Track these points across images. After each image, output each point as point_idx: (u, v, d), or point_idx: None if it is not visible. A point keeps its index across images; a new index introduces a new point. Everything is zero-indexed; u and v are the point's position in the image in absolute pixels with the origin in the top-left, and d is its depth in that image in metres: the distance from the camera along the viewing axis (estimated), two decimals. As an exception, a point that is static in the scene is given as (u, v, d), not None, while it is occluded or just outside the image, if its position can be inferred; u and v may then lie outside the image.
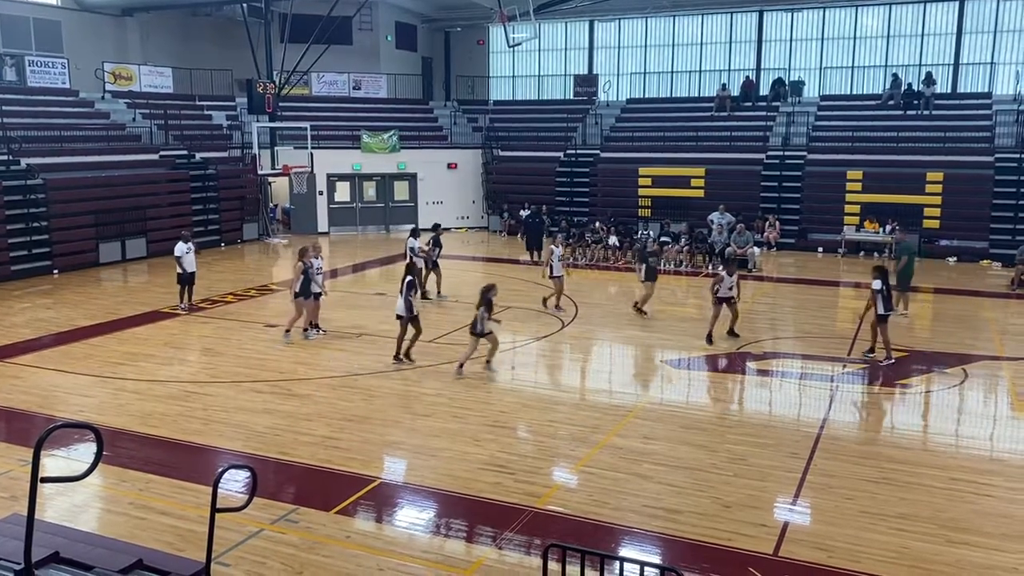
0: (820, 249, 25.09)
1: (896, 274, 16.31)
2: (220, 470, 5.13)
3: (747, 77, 31.02)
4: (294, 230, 29.52)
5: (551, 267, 16.66)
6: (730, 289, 14.54)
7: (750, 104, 30.07)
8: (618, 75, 34.11)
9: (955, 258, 23.75)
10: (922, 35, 29.54)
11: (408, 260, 15.73)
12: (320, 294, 14.97)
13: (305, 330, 14.62)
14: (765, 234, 25.11)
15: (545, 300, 17.08)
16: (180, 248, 16.60)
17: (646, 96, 33.01)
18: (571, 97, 34.04)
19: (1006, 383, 12.53)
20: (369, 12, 32.33)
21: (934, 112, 27.11)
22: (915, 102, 27.51)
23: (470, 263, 23.42)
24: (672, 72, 33.14)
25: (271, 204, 30.22)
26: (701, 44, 32.86)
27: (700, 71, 32.73)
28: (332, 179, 29.77)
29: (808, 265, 23.36)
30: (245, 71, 28.78)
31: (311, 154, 26.88)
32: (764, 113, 29.29)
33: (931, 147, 25.69)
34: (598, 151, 29.99)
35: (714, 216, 24.22)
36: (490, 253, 25.88)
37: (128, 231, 23.22)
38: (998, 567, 7.11)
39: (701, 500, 8.32)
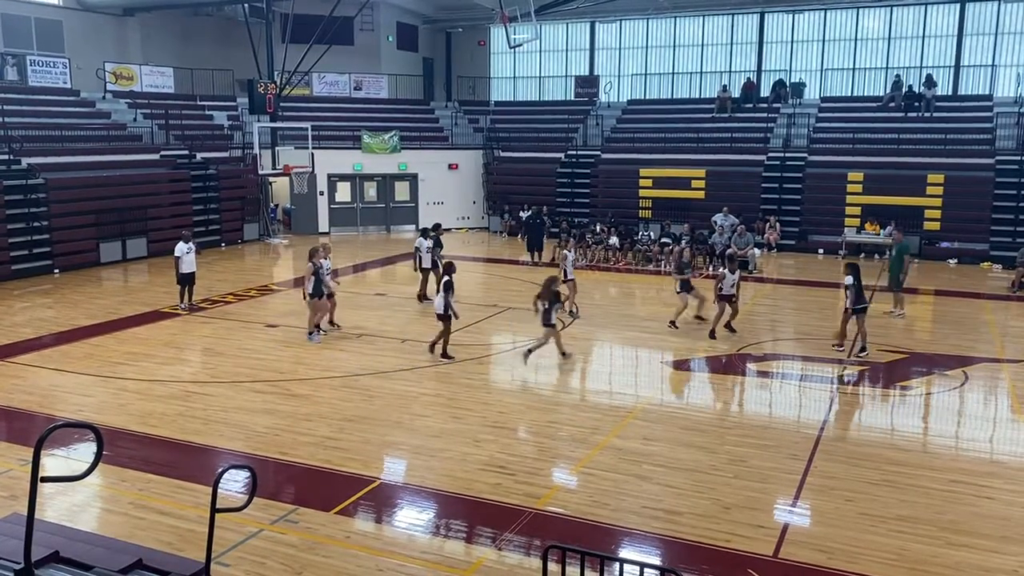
0: (821, 251, 25.08)
1: (887, 273, 16.35)
2: (220, 470, 5.14)
3: (748, 78, 31.03)
4: (295, 230, 29.53)
5: (564, 271, 16.65)
6: (732, 287, 14.73)
7: (751, 105, 30.08)
8: (619, 76, 34.15)
9: (956, 260, 23.76)
10: (923, 37, 29.55)
11: (445, 261, 15.58)
12: (332, 294, 15.08)
13: (310, 333, 14.63)
14: (766, 235, 25.12)
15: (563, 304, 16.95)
16: (180, 248, 16.61)
17: (647, 97, 33.00)
18: (572, 98, 34.05)
19: (1006, 385, 12.52)
20: (370, 12, 32.34)
21: (935, 114, 27.12)
22: (916, 104, 27.52)
23: (470, 263, 23.40)
24: (673, 73, 33.17)
25: (272, 204, 30.22)
26: (702, 45, 32.87)
27: (701, 72, 32.75)
28: (333, 179, 29.79)
29: (808, 267, 23.34)
30: (246, 71, 28.79)
31: (312, 154, 26.94)
32: (765, 115, 29.29)
33: (932, 149, 25.72)
34: (599, 152, 29.99)
35: (718, 217, 24.24)
36: (490, 254, 25.87)
37: (129, 231, 23.21)
38: (998, 569, 7.11)
39: (701, 501, 8.32)
